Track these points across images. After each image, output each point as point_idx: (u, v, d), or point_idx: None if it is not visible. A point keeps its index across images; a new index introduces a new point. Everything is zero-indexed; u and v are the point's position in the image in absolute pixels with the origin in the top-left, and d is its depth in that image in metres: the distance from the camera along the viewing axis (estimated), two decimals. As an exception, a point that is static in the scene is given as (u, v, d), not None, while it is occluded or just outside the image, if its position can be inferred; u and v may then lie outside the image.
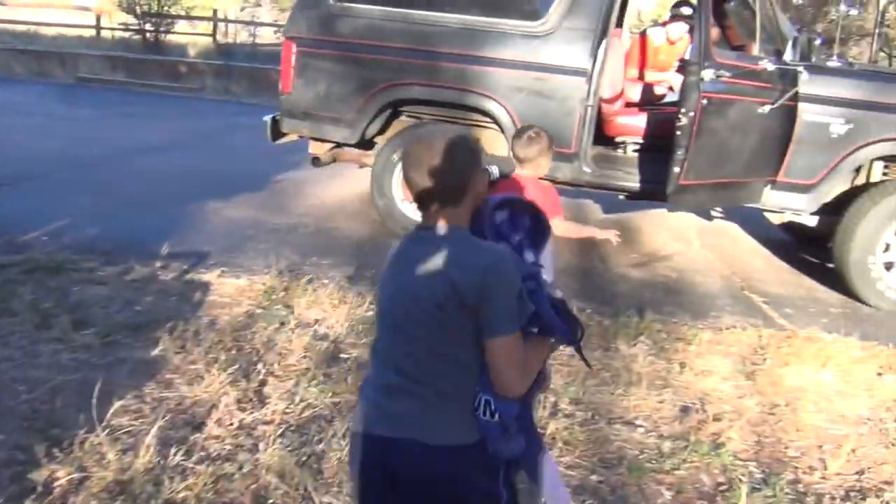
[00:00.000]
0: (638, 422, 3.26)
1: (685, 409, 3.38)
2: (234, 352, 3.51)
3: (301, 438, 2.89)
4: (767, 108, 4.48)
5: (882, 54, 20.49)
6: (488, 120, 5.09)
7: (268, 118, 5.45)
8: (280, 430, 2.93)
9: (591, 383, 3.50)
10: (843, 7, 21.11)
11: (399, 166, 5.25)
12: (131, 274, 4.26)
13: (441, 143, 1.57)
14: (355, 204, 6.24)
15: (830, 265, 5.03)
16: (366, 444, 1.62)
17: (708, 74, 4.17)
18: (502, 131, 5.03)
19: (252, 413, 3.03)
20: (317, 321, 3.90)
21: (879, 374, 3.85)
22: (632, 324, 4.12)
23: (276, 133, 5.48)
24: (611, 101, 5.27)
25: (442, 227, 1.57)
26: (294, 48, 5.24)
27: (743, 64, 4.45)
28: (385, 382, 1.61)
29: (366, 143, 5.50)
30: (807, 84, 4.59)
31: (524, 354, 1.54)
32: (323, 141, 5.51)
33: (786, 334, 4.20)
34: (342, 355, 3.58)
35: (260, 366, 3.39)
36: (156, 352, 3.41)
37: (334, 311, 3.98)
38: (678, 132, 4.24)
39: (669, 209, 4.47)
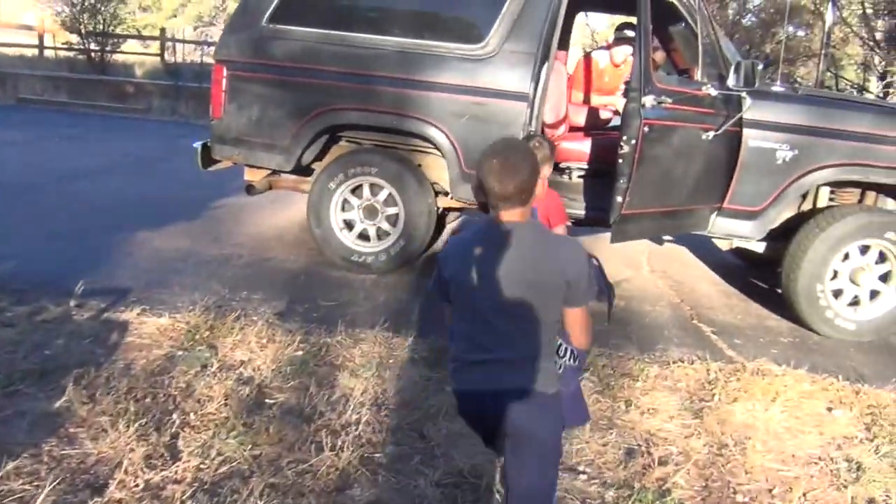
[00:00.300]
0: (581, 468, 3.08)
1: (630, 452, 3.21)
2: (147, 400, 3.24)
3: (213, 500, 2.65)
4: (711, 134, 4.37)
5: (829, 74, 20.92)
6: (430, 145, 4.91)
7: (198, 144, 5.20)
8: (191, 491, 2.68)
9: (533, 426, 3.31)
10: (790, 28, 21.57)
11: (337, 193, 5.05)
12: (43, 314, 3.96)
13: (515, 154, 2.00)
14: (294, 232, 6.00)
15: (779, 290, 4.94)
16: (476, 401, 2.10)
17: (649, 101, 4.04)
18: (444, 157, 4.86)
19: (161, 471, 2.77)
20: (242, 363, 3.65)
21: (829, 409, 3.73)
22: (577, 359, 3.94)
23: (207, 160, 5.22)
24: (554, 125, 5.13)
25: (521, 223, 2.02)
26: (225, 72, 5.01)
27: (685, 89, 4.34)
28: (480, 358, 2.05)
29: (303, 170, 5.27)
30: (751, 110, 4.50)
31: (589, 316, 2.10)
32: (258, 168, 5.27)
33: (734, 367, 4.06)
34: (267, 401, 3.34)
35: (175, 415, 3.14)
36: (60, 402, 3.13)
37: (261, 351, 3.74)
38: (620, 160, 4.10)
39: (613, 240, 4.32)
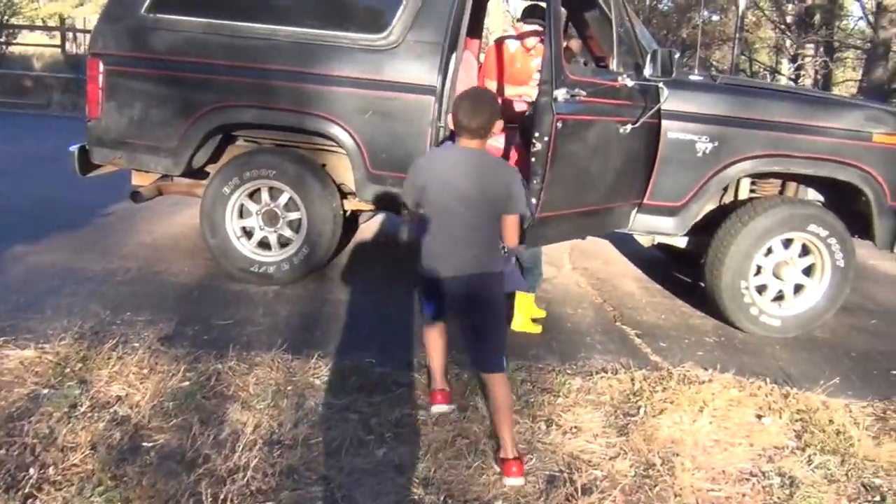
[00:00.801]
0: (497, 503, 2.79)
1: (552, 481, 2.94)
2: (1, 452, 2.81)
3: (67, 577, 2.25)
4: (629, 127, 4.12)
5: (743, 58, 21.29)
6: (334, 144, 4.53)
7: (74, 148, 4.68)
8: (41, 566, 2.28)
9: (446, 456, 3.01)
10: (704, 13, 21.86)
11: (232, 198, 4.63)
12: None
13: (481, 99, 2.84)
14: (191, 240, 5.52)
15: (703, 284, 4.76)
16: (440, 280, 2.90)
17: (561, 94, 3.74)
18: (348, 156, 4.49)
19: (8, 544, 2.36)
20: (118, 399, 3.22)
21: (759, 417, 3.54)
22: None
23: (86, 165, 4.71)
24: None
25: (479, 150, 2.86)
26: (101, 67, 4.51)
27: (600, 80, 4.07)
28: (443, 245, 2.88)
29: (197, 173, 4.82)
30: (669, 100, 4.26)
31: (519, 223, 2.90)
32: (144, 172, 4.79)
33: (660, 375, 3.84)
34: (144, 444, 2.93)
35: (32, 469, 2.71)
36: None
37: (141, 384, 3.32)
38: (533, 159, 3.80)
39: (527, 246, 4.03)
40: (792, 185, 4.74)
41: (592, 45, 5.91)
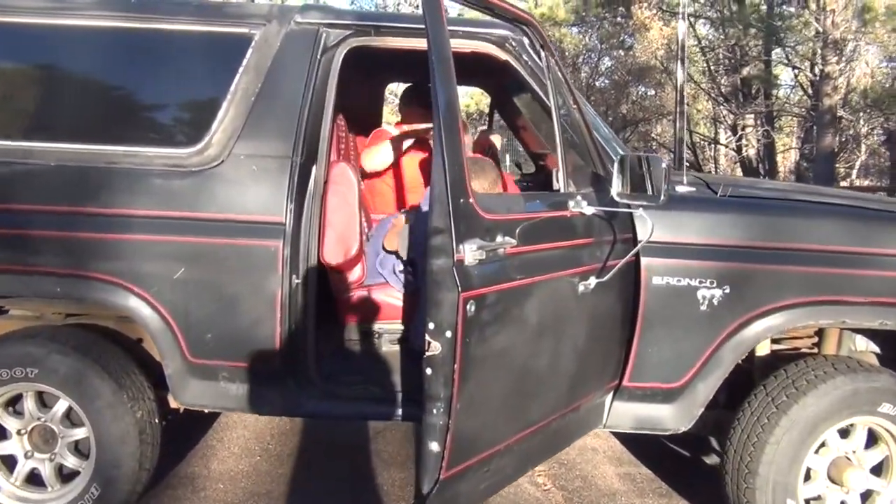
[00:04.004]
0: None
1: None
2: None
3: None
4: (593, 281, 2.53)
5: (686, 131, 20.55)
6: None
7: None
8: None
9: None
10: (641, 88, 21.13)
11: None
12: None
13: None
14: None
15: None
16: None
17: (470, 251, 2.15)
18: (153, 339, 2.84)
19: None
20: None
21: None
22: None
23: None
24: (344, 266, 3.17)
25: None
26: None
27: (536, 213, 2.48)
28: None
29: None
30: (653, 228, 2.71)
31: None
32: None
33: None
34: None
35: None
36: None
37: None
38: (428, 370, 2.13)
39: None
40: (832, 332, 3.18)
41: (527, 139, 4.43)
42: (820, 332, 3.22)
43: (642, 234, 2.71)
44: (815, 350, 3.24)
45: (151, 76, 2.94)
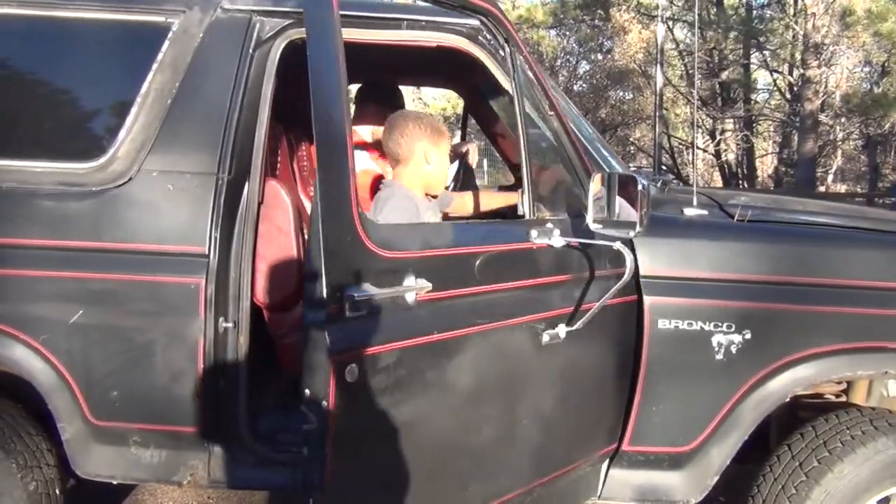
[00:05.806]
0: None
1: None
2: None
3: None
4: (562, 329, 2.01)
5: (664, 135, 20.29)
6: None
7: None
8: None
9: None
10: (619, 92, 20.85)
11: None
12: None
13: None
14: None
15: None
16: None
17: (354, 302, 1.62)
18: (46, 399, 2.31)
19: None
20: None
21: None
22: None
23: None
24: (281, 306, 2.65)
25: None
26: None
27: (473, 248, 1.95)
28: None
29: None
30: (656, 261, 2.23)
31: None
32: None
33: None
34: None
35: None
36: None
37: None
38: (304, 450, 1.58)
39: None
40: (862, 382, 2.71)
41: (506, 148, 3.92)
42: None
43: (644, 268, 2.22)
44: (843, 396, 2.77)
45: (43, 74, 2.42)
